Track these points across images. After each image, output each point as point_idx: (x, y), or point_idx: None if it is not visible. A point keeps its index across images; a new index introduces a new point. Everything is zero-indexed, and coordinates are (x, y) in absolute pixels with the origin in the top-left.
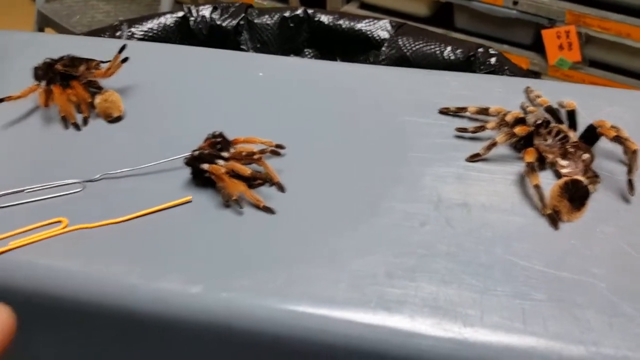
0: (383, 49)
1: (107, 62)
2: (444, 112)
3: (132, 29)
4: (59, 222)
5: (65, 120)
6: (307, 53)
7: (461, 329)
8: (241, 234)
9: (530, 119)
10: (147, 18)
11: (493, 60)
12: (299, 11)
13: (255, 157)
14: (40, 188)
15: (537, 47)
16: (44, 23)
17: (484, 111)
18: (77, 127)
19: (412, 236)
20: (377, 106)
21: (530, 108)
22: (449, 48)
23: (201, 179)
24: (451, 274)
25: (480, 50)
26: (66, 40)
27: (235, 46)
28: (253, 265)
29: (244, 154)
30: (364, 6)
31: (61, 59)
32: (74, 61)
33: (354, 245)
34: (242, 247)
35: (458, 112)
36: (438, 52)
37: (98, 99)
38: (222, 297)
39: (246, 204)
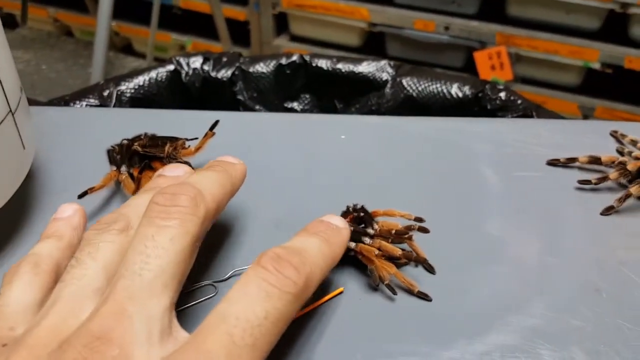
0: (386, 90)
1: (192, 139)
2: (553, 163)
3: (121, 87)
4: None
5: None
6: (304, 99)
7: None
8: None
9: None
10: (134, 74)
11: (502, 95)
12: (295, 57)
13: (406, 237)
14: None
15: (469, 68)
16: None
17: (597, 160)
18: None
19: (592, 307)
20: (483, 161)
21: (636, 153)
22: (455, 85)
23: (343, 257)
24: None
25: (488, 86)
26: (51, 112)
27: (232, 96)
28: None
29: (393, 232)
30: (294, 38)
31: (138, 138)
32: (155, 140)
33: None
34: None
35: (568, 163)
36: (445, 90)
37: None
38: None
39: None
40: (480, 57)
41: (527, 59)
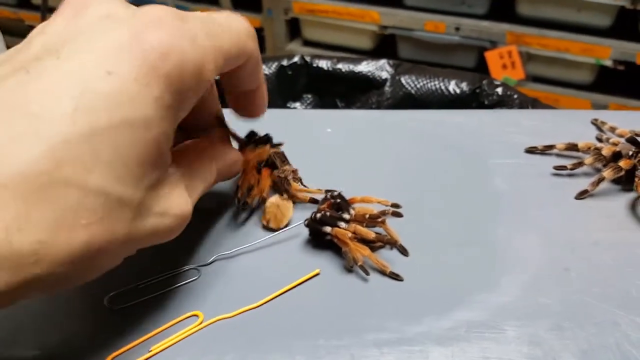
0: (386, 88)
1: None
2: (531, 151)
3: None
4: (195, 315)
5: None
6: (306, 99)
7: None
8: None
9: (625, 151)
10: None
11: (499, 90)
12: (296, 58)
13: (379, 219)
14: (155, 280)
15: (481, 68)
16: None
17: (574, 147)
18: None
19: (561, 285)
20: (462, 150)
21: (614, 140)
22: (453, 82)
23: (321, 242)
24: None
25: (485, 81)
26: None
27: None
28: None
29: (367, 216)
30: (307, 43)
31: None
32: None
33: (485, 314)
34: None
35: (546, 150)
36: (443, 87)
37: (273, 199)
38: None
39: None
40: (491, 56)
41: (538, 58)
